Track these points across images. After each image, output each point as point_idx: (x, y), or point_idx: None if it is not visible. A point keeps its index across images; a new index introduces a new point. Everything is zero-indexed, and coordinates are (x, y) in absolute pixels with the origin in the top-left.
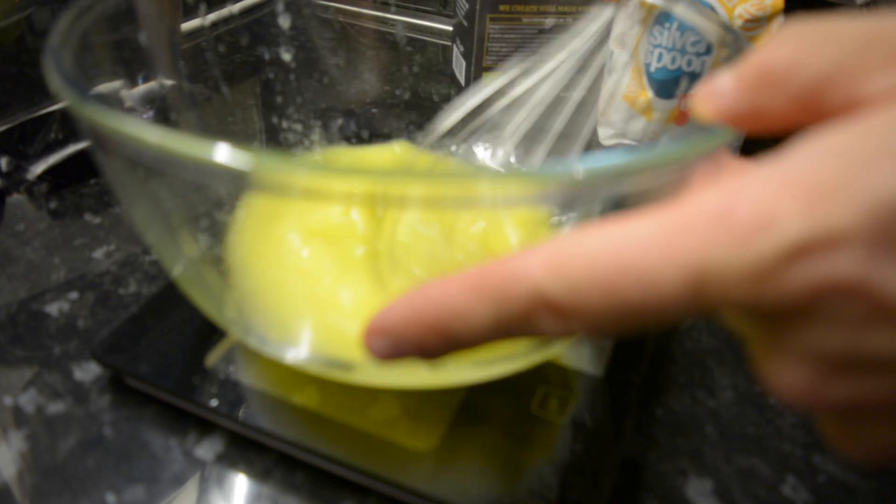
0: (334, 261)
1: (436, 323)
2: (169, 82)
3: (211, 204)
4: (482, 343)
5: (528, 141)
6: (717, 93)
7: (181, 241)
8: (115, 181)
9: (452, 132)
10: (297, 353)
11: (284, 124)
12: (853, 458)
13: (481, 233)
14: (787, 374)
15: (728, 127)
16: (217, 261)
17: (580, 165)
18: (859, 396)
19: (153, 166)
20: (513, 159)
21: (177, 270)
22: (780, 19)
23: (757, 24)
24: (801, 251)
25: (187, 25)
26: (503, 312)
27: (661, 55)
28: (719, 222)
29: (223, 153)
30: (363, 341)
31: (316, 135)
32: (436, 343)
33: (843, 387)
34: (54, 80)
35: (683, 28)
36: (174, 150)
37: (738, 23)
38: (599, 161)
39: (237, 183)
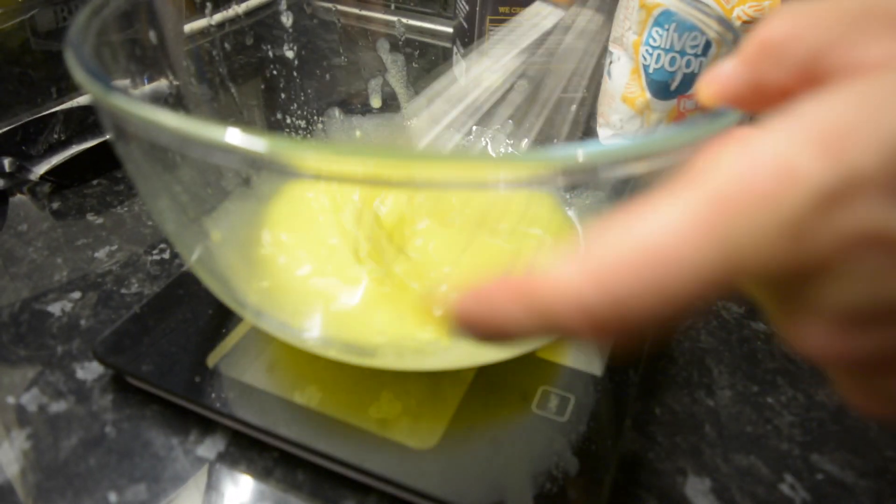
0: (353, 248)
1: (483, 325)
2: (176, 81)
3: (228, 192)
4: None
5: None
6: (719, 75)
7: (204, 228)
8: (135, 171)
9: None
10: (316, 336)
11: (288, 120)
12: (869, 413)
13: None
14: (811, 332)
15: (733, 109)
16: (238, 246)
17: (584, 149)
18: (883, 348)
19: (177, 150)
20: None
21: (195, 257)
22: None
23: (755, 26)
24: (830, 198)
25: (194, 25)
26: (548, 325)
27: (659, 56)
28: (742, 189)
29: (235, 135)
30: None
31: (319, 132)
32: (484, 336)
33: (867, 339)
34: (78, 73)
35: (682, 29)
36: (195, 133)
37: (736, 24)
38: (604, 145)
39: (249, 164)
